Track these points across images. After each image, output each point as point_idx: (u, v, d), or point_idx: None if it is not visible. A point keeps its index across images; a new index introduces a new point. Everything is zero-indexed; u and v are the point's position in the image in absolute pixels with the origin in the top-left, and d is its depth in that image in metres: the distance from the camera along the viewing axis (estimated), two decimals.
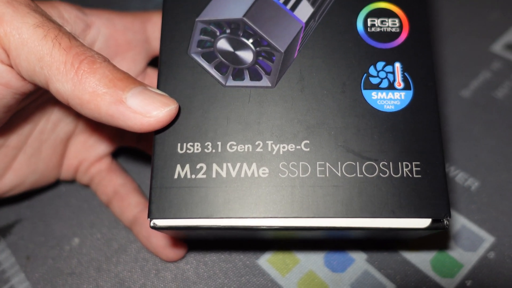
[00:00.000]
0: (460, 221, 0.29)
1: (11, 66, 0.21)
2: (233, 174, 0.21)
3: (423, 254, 0.28)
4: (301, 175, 0.21)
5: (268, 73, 0.23)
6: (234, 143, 0.21)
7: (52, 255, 0.29)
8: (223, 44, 0.23)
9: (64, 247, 0.29)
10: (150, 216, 0.21)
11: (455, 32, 0.38)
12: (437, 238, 0.28)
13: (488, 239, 0.28)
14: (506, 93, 0.34)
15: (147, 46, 0.29)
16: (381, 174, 0.21)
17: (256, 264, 0.28)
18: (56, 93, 0.20)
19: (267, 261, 0.28)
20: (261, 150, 0.21)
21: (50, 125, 0.28)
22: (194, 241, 0.29)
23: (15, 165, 0.27)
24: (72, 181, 0.31)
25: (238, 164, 0.21)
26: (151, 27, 0.29)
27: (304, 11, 0.23)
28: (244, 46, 0.23)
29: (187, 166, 0.21)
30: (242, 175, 0.21)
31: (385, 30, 0.23)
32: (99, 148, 0.30)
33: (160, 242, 0.27)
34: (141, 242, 0.28)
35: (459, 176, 0.30)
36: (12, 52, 0.20)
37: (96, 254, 0.29)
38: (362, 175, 0.21)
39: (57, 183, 0.31)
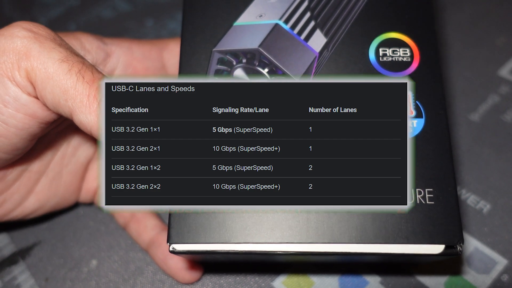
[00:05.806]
0: (472, 244, 0.29)
1: (37, 98, 0.22)
2: None
3: (437, 277, 0.28)
4: None
5: None
6: None
7: (70, 277, 0.29)
8: (239, 73, 0.24)
9: (82, 269, 0.29)
10: (170, 240, 0.21)
11: (463, 57, 0.38)
12: (450, 261, 0.28)
13: (501, 262, 0.28)
14: None
15: (163, 72, 0.30)
16: None
17: (271, 286, 0.28)
18: (80, 124, 0.21)
19: (282, 283, 0.28)
20: None
21: (70, 149, 0.29)
22: (210, 263, 0.29)
23: (37, 189, 0.28)
24: (90, 204, 0.32)
25: None
26: (168, 54, 0.30)
27: (318, 41, 0.24)
28: (260, 75, 0.24)
29: None
30: None
31: (396, 59, 0.24)
32: None
33: (176, 264, 0.28)
34: (157, 264, 0.29)
35: (470, 198, 0.31)
36: (38, 85, 0.21)
37: (113, 276, 0.29)
38: None
39: (75, 205, 0.32)
